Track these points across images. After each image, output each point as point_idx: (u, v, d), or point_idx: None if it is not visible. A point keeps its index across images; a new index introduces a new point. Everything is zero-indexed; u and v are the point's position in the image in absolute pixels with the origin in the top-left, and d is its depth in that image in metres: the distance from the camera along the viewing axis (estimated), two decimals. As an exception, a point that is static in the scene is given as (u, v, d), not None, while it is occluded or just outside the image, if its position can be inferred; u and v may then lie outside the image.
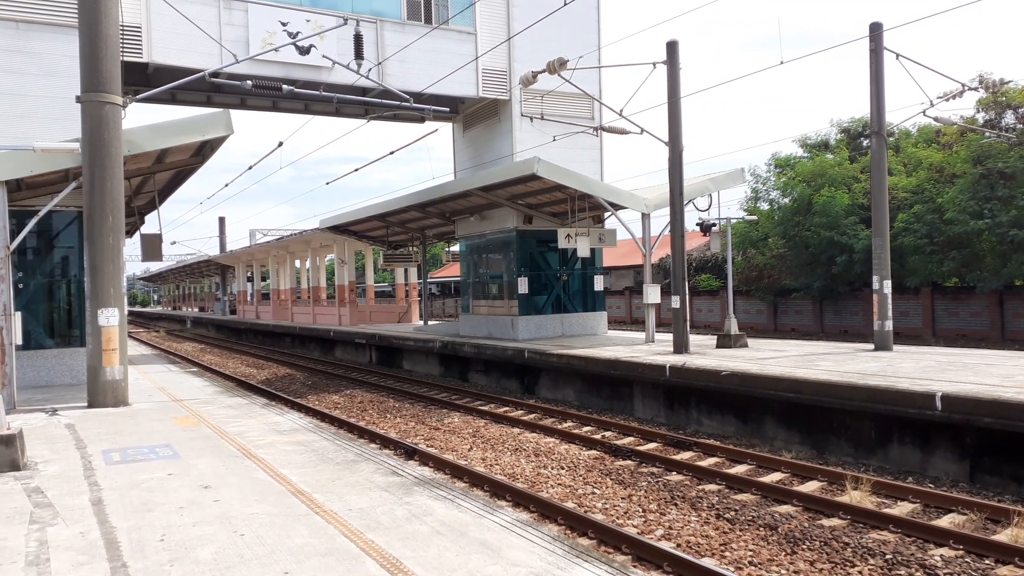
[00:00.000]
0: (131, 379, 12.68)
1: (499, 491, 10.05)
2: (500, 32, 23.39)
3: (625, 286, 48.69)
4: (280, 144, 21.90)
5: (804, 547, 7.79)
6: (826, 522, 8.56)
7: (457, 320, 28.69)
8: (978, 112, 28.52)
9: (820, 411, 11.80)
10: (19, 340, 12.36)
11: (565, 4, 17.38)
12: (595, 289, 23.22)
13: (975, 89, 18.05)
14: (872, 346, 16.19)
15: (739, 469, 11.03)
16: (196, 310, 73.07)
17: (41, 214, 13.09)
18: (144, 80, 19.57)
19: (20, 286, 14.63)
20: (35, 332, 14.94)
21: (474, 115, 25.89)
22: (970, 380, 11.12)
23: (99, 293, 11.59)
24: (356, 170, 26.31)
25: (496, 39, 23.07)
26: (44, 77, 17.19)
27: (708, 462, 11.47)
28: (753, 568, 7.30)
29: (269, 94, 15.39)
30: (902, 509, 8.95)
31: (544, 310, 22.32)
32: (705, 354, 16.18)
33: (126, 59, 14.93)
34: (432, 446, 13.24)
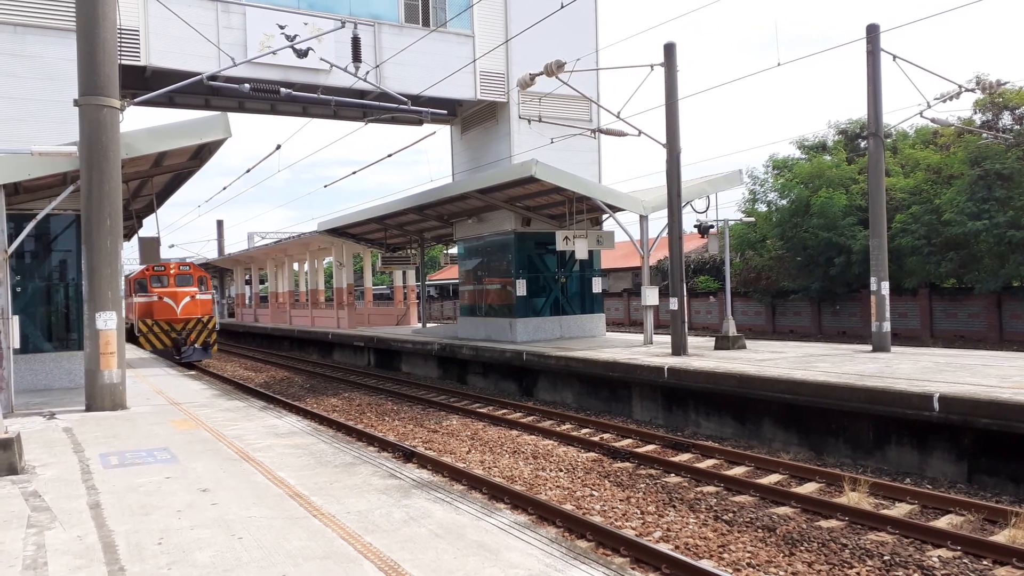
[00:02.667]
0: (129, 382, 12.65)
1: (497, 493, 10.05)
2: (498, 34, 23.40)
3: (623, 288, 48.70)
4: (278, 147, 21.89)
5: (802, 548, 7.80)
6: (824, 523, 8.57)
7: (455, 323, 28.67)
8: (975, 113, 28.57)
9: (818, 412, 11.81)
10: (17, 344, 12.34)
11: (563, 6, 17.40)
12: (593, 291, 23.22)
13: (972, 90, 18.07)
14: (870, 347, 16.21)
15: (737, 471, 11.04)
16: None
17: (39, 218, 13.08)
18: (142, 83, 19.56)
19: (18, 289, 14.61)
20: (33, 336, 14.92)
21: (472, 117, 25.90)
22: (968, 381, 11.14)
23: (97, 296, 11.58)
24: (354, 173, 26.42)
25: (494, 41, 23.08)
26: (43, 81, 17.18)
27: (706, 464, 11.48)
28: (751, 570, 7.31)
29: (267, 97, 15.35)
30: (900, 510, 8.97)
31: (542, 312, 22.32)
32: (703, 356, 16.19)
33: (124, 62, 14.91)
34: (430, 448, 13.24)
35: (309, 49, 20.11)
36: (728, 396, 13.34)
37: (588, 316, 23.13)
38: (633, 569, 7.20)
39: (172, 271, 27.29)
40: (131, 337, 26.83)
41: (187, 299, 26.66)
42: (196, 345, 26.56)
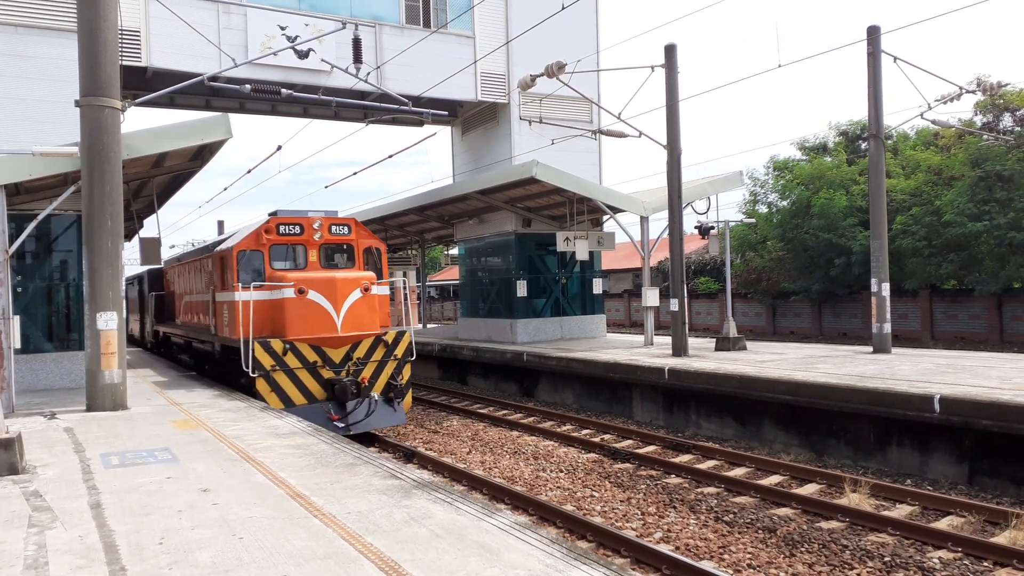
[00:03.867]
0: (129, 383, 12.65)
1: (498, 494, 10.05)
2: (499, 36, 23.42)
3: (624, 289, 48.69)
4: (279, 148, 21.89)
5: (803, 549, 7.79)
6: (825, 524, 8.57)
7: (456, 323, 28.65)
8: (976, 115, 28.56)
9: (819, 413, 11.81)
10: (18, 344, 12.34)
11: (563, 8, 17.40)
12: (594, 292, 23.23)
13: (973, 92, 18.09)
14: (871, 349, 16.20)
15: (738, 472, 11.03)
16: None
17: (40, 218, 13.09)
18: (143, 84, 19.57)
19: (19, 290, 14.62)
20: (34, 336, 14.92)
21: (473, 118, 25.91)
22: (968, 382, 11.13)
23: (98, 297, 11.58)
24: (355, 174, 26.29)
25: (495, 43, 23.10)
26: (44, 81, 17.19)
27: (707, 465, 11.48)
28: (752, 571, 7.30)
29: (268, 98, 15.32)
30: (901, 511, 8.96)
31: (543, 313, 22.33)
32: (704, 357, 16.18)
33: (125, 63, 14.93)
34: (431, 449, 13.23)
35: (310, 50, 20.06)
36: (729, 397, 13.33)
37: (589, 317, 23.13)
38: (634, 570, 7.20)
39: (316, 234, 14.22)
40: (227, 376, 14.76)
41: (355, 295, 13.52)
42: (375, 395, 13.47)
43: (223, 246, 14.93)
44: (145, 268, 21.36)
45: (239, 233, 15.36)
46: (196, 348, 17.95)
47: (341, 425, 12.94)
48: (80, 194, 11.90)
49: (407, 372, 14.19)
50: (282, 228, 14.07)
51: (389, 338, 13.95)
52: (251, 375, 12.81)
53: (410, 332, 14.30)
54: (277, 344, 12.94)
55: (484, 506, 6.16)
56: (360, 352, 13.57)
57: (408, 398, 14.36)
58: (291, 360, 13.02)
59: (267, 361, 12.88)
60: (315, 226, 14.19)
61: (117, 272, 11.82)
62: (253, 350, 12.79)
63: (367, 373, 13.57)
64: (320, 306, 13.23)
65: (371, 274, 14.08)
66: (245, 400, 12.72)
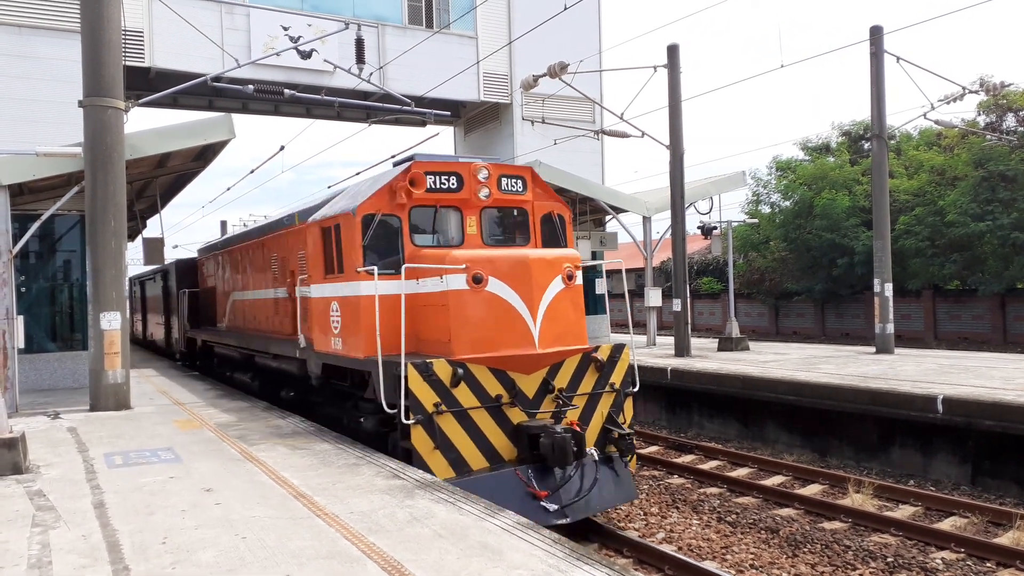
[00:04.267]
0: (133, 383, 12.68)
1: (500, 494, 10.03)
2: (501, 36, 23.42)
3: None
4: (282, 148, 21.88)
5: (805, 550, 7.79)
6: (828, 525, 8.56)
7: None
8: (979, 115, 28.51)
9: (822, 414, 11.80)
10: (21, 344, 12.37)
11: (566, 8, 17.39)
12: (596, 292, 23.21)
13: (976, 92, 18.07)
14: (873, 349, 16.19)
15: (740, 472, 11.03)
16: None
17: (43, 218, 13.11)
18: (146, 84, 19.60)
19: (23, 290, 14.65)
20: (37, 336, 14.95)
21: (475, 119, 25.91)
22: (971, 383, 11.12)
23: (101, 297, 11.60)
24: (358, 174, 26.19)
25: (497, 43, 23.10)
26: (48, 82, 17.23)
27: (709, 465, 11.48)
28: (754, 571, 7.30)
29: (271, 98, 15.36)
30: (904, 512, 8.96)
31: (545, 313, 22.24)
32: (707, 357, 16.18)
33: (128, 63, 14.94)
34: (433, 449, 13.20)
35: (313, 51, 20.13)
36: (732, 397, 13.32)
37: (591, 317, 23.04)
38: (636, 570, 7.20)
39: (482, 189, 9.15)
40: (326, 410, 10.78)
41: (555, 285, 8.38)
42: (592, 451, 8.22)
43: (325, 212, 9.76)
44: (171, 260, 19.86)
45: (348, 192, 10.05)
46: (263, 366, 13.37)
47: (552, 508, 7.73)
48: (84, 194, 11.92)
49: (628, 411, 9.04)
50: (431, 180, 8.91)
51: (602, 354, 8.88)
52: (405, 422, 7.76)
53: (630, 346, 9.25)
54: (443, 368, 7.86)
55: (487, 506, 6.16)
56: (562, 379, 8.45)
57: (633, 459, 8.99)
58: (463, 395, 7.92)
59: (428, 398, 7.80)
60: (480, 177, 9.11)
61: (120, 272, 11.85)
62: (406, 378, 7.72)
63: (574, 414, 8.43)
64: (507, 304, 8.12)
65: (575, 253, 8.95)
66: (248, 400, 12.72)
